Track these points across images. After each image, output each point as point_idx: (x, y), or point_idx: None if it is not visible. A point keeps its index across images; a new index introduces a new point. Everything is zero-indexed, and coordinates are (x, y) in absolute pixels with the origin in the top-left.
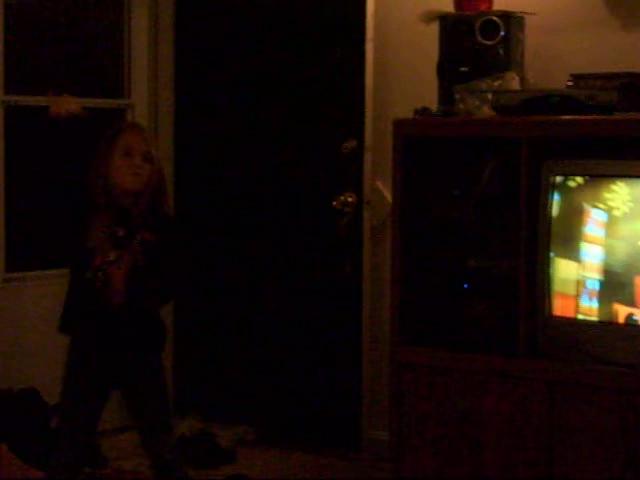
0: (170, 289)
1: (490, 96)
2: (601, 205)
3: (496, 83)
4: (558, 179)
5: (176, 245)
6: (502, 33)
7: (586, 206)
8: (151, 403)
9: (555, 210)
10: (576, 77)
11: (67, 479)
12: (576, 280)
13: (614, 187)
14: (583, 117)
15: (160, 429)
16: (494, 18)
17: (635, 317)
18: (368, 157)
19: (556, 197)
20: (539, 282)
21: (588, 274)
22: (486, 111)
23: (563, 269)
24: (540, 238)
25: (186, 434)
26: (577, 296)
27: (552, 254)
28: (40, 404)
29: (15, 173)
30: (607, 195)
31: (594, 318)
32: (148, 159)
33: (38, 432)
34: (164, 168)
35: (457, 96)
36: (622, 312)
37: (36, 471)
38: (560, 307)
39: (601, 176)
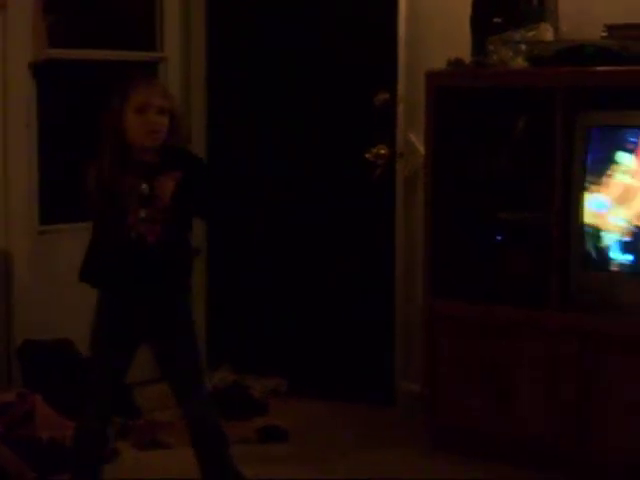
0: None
1: (524, 47)
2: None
3: (530, 34)
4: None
5: (204, 175)
6: None
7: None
8: (182, 356)
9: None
10: (610, 27)
11: (96, 431)
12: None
13: None
14: (617, 68)
15: (192, 382)
16: None
17: None
18: (401, 109)
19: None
20: (573, 234)
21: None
22: (520, 62)
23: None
24: (574, 190)
25: (218, 386)
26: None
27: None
28: (74, 355)
29: (49, 126)
30: None
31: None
32: (165, 112)
33: (72, 383)
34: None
35: (491, 47)
36: None
37: (70, 422)
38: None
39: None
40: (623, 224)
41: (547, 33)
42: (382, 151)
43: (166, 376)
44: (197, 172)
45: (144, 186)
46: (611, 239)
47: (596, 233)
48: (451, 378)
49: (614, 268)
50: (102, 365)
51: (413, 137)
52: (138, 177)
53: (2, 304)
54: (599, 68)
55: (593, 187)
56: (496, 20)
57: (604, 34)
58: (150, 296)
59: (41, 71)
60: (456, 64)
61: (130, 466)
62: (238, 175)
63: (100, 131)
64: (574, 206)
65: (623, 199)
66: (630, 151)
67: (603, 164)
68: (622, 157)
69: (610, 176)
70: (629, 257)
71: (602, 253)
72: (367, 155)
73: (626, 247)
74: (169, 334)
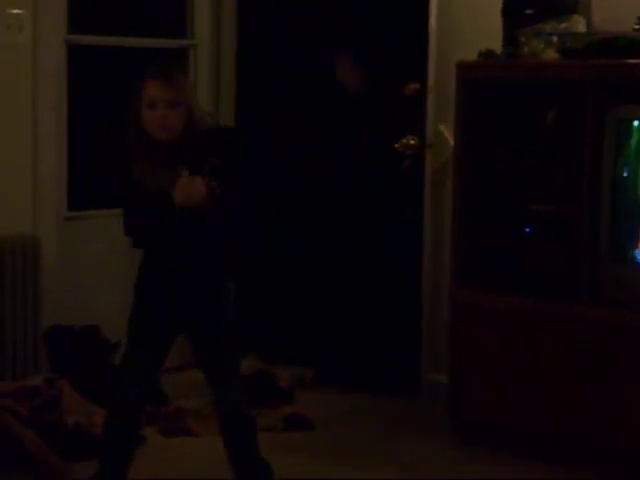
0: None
1: (556, 39)
2: None
3: (562, 26)
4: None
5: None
6: None
7: None
8: (218, 342)
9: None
10: None
11: (127, 420)
12: None
13: None
14: None
15: (226, 369)
16: None
17: None
18: (431, 99)
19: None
20: (602, 227)
21: None
22: (551, 54)
23: None
24: (604, 183)
25: (245, 374)
26: None
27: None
28: (101, 341)
29: (77, 112)
30: None
31: None
32: (176, 105)
33: (99, 369)
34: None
35: (522, 39)
36: None
37: (96, 407)
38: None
39: None
40: None
41: (579, 25)
42: (411, 142)
43: (200, 361)
44: (234, 164)
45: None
46: None
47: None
48: (477, 370)
49: None
50: (138, 353)
51: (443, 128)
52: (175, 166)
53: (30, 289)
54: (631, 61)
55: None
56: (528, 11)
57: (637, 26)
58: (184, 278)
59: None
60: (487, 55)
61: (157, 452)
62: (266, 163)
63: (126, 127)
64: (603, 198)
65: None
66: None
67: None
68: None
69: None
70: None
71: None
72: (396, 145)
73: None
74: (207, 320)
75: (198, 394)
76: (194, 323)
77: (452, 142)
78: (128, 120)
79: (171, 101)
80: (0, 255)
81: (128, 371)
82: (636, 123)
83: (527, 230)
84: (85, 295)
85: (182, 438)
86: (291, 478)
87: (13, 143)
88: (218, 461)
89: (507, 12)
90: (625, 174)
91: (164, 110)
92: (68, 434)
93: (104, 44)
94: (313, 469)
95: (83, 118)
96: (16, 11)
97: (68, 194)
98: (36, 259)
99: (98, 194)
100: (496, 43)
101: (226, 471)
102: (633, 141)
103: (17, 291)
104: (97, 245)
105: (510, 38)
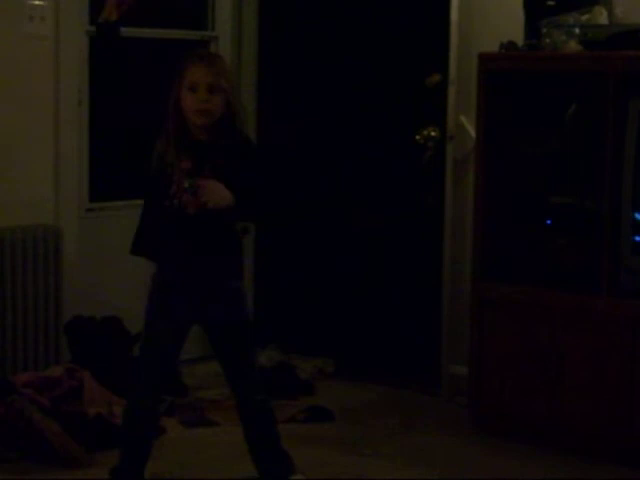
0: (254, 209)
1: (577, 30)
2: None
3: (584, 17)
4: None
5: (257, 167)
6: None
7: None
8: (234, 336)
9: None
10: None
11: (145, 411)
12: None
13: None
14: None
15: (243, 361)
16: None
17: None
18: (452, 91)
19: None
20: (624, 219)
21: None
22: (573, 46)
23: None
24: (626, 175)
25: (265, 365)
26: None
27: None
28: (122, 332)
29: (100, 103)
30: None
31: None
32: (216, 90)
33: (120, 360)
34: (241, 94)
35: (544, 30)
36: None
37: (117, 398)
38: None
39: None
40: None
41: (601, 17)
42: (433, 133)
43: (217, 354)
44: (248, 163)
45: (187, 184)
46: None
47: None
48: (497, 362)
49: None
50: (155, 344)
51: (464, 119)
52: (187, 155)
53: (52, 280)
54: None
55: None
56: (550, 3)
57: None
58: (196, 271)
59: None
60: (509, 47)
61: (177, 443)
62: (287, 154)
63: (166, 109)
64: (625, 191)
65: None
66: None
67: None
68: None
69: None
70: None
71: None
72: (417, 137)
73: None
74: (221, 313)
75: (218, 385)
76: (210, 316)
77: (473, 134)
78: (167, 106)
79: (211, 85)
80: (22, 246)
81: (144, 362)
82: None
83: (548, 222)
84: (106, 286)
85: (202, 429)
86: (311, 469)
87: (35, 134)
88: (239, 451)
89: (529, 4)
90: None
91: (204, 94)
92: (89, 424)
93: (125, 35)
94: (333, 460)
95: (105, 109)
96: (38, 2)
97: (90, 185)
98: (58, 250)
99: (119, 186)
100: (518, 35)
101: (247, 461)
102: None
103: (39, 282)
104: (118, 236)
105: (532, 30)
